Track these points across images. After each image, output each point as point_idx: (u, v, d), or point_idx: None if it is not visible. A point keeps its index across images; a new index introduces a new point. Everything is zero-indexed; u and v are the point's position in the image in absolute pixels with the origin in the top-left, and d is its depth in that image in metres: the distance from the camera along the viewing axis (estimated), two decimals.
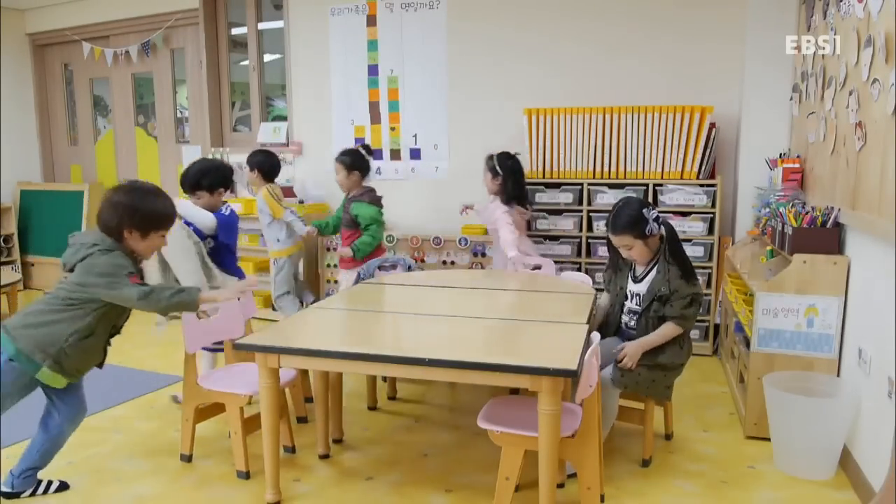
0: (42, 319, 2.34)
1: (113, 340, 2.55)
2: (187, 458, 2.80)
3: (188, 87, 6.10)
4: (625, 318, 2.83)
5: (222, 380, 2.79)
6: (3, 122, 6.50)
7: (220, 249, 3.40)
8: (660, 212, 4.10)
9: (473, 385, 3.56)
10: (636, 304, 2.78)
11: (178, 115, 6.28)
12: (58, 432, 2.50)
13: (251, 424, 2.66)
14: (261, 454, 2.46)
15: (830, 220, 2.81)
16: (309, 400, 3.21)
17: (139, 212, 2.37)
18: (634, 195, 4.16)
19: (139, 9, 6.01)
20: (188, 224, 3.22)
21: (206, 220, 3.26)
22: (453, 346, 2.38)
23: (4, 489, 2.49)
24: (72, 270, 2.35)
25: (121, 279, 2.30)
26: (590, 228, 4.34)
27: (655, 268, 2.73)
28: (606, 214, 4.16)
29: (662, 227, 2.69)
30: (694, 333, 4.06)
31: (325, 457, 2.82)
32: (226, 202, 3.51)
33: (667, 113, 4.12)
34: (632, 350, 2.63)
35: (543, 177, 4.42)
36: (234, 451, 2.66)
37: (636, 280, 2.80)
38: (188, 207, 3.26)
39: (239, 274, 3.48)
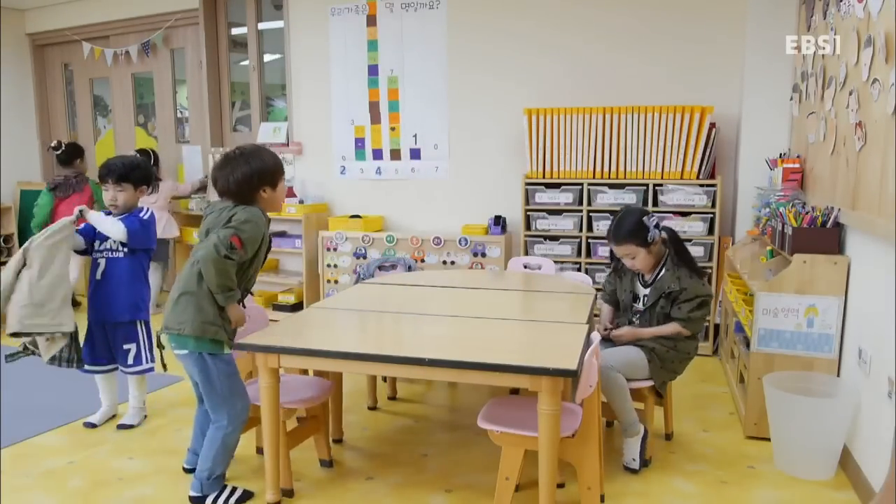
0: (194, 302, 2.33)
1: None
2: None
3: (188, 87, 6.10)
4: (634, 318, 2.84)
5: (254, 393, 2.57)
6: (3, 122, 6.50)
7: (135, 259, 3.08)
8: (660, 212, 4.15)
9: (473, 385, 3.58)
10: (642, 305, 2.80)
11: (178, 115, 6.28)
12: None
13: (291, 439, 2.57)
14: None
15: (830, 220, 2.81)
16: None
17: (266, 168, 2.41)
18: (633, 202, 4.19)
19: (139, 9, 6.01)
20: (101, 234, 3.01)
21: (116, 229, 2.97)
22: (453, 346, 2.37)
23: (193, 493, 2.44)
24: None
25: (234, 231, 2.28)
26: (590, 228, 4.34)
27: (664, 268, 2.74)
28: (606, 214, 4.23)
29: (664, 233, 2.70)
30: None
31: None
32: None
33: (667, 113, 4.12)
34: (626, 332, 2.74)
35: (543, 177, 4.42)
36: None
37: (645, 284, 2.81)
38: (97, 218, 2.98)
39: (137, 296, 3.09)
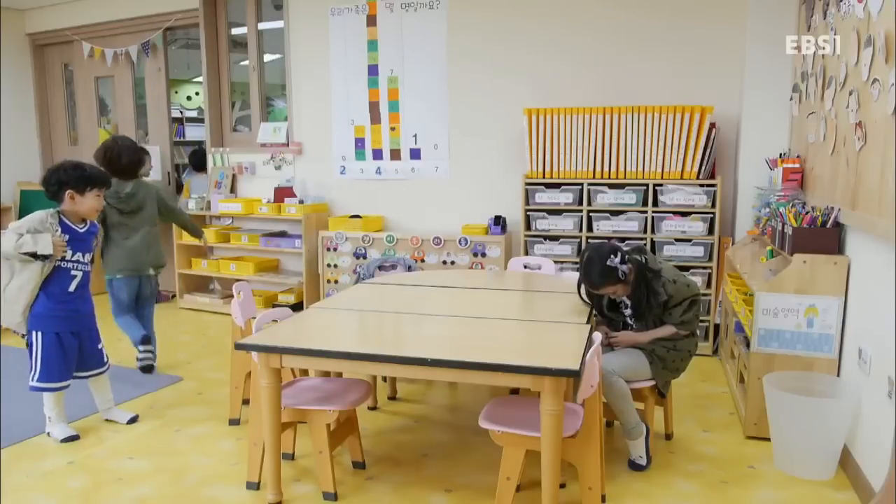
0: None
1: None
2: (255, 486, 2.58)
3: (147, 88, 6.24)
4: (630, 321, 2.84)
5: (294, 397, 2.56)
6: (3, 122, 6.50)
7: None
8: (660, 212, 4.15)
9: (473, 385, 3.58)
10: (632, 314, 2.80)
11: (138, 116, 6.43)
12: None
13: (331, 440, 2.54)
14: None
15: (830, 220, 2.81)
16: None
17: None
18: (633, 202, 4.18)
19: (139, 9, 6.01)
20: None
21: None
22: (454, 346, 2.38)
23: (152, 364, 3.80)
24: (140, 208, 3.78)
25: None
26: (590, 228, 4.34)
27: (643, 284, 2.73)
28: (606, 214, 4.23)
29: (631, 265, 2.66)
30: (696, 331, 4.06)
31: None
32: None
33: (667, 113, 4.13)
34: (624, 337, 2.75)
35: (543, 177, 4.42)
36: (319, 471, 2.50)
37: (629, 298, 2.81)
38: None
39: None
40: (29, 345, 2.98)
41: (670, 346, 2.72)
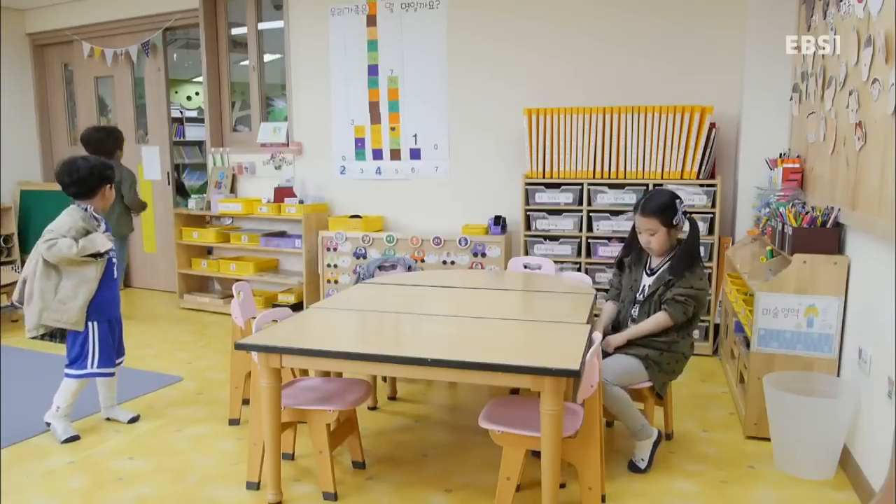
0: None
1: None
2: (255, 486, 2.58)
3: (147, 88, 6.25)
4: (633, 310, 2.85)
5: (294, 397, 2.56)
6: (3, 122, 6.50)
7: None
8: None
9: (473, 385, 3.58)
10: (642, 295, 2.81)
11: (138, 116, 6.44)
12: None
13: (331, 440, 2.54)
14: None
15: (830, 220, 2.82)
16: None
17: None
18: (634, 202, 4.19)
19: (139, 9, 6.01)
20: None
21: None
22: (454, 346, 2.38)
23: None
24: None
25: None
26: (590, 228, 4.34)
27: (672, 259, 2.76)
28: (606, 214, 4.23)
29: (688, 223, 2.74)
30: (694, 333, 4.06)
31: None
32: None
33: (667, 113, 4.13)
34: (615, 339, 2.73)
35: (543, 177, 4.42)
36: (319, 471, 2.49)
37: (651, 273, 2.82)
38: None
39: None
40: (82, 336, 2.99)
41: (664, 347, 2.71)
